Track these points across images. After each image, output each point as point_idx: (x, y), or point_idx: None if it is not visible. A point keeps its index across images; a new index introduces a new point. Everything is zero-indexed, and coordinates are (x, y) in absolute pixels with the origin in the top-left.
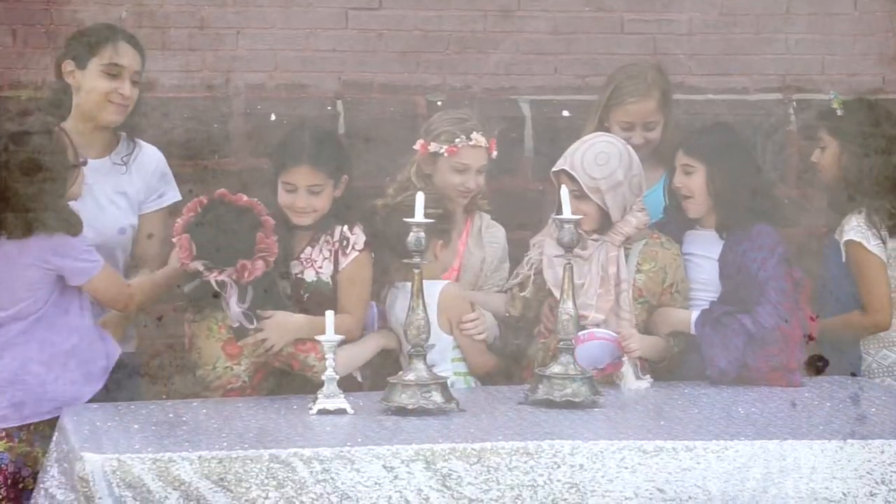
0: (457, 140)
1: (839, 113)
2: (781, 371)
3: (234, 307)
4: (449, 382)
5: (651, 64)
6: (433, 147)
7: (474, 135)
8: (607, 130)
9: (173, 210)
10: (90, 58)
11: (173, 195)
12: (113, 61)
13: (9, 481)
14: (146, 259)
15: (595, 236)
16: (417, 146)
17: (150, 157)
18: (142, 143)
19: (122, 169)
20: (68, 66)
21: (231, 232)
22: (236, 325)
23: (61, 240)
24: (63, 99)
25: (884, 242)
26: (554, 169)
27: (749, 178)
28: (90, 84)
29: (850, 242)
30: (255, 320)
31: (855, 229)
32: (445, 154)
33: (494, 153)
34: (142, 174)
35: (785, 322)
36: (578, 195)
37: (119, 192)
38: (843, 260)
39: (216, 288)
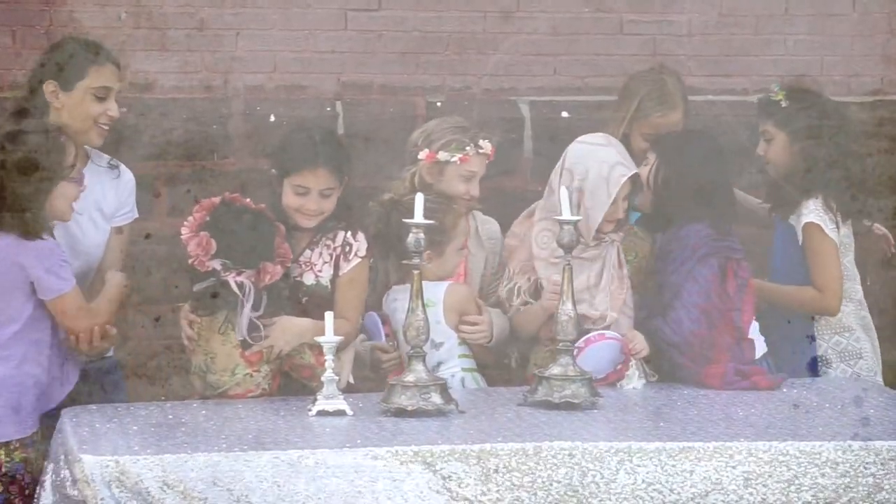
0: (467, 148)
1: (783, 104)
2: (715, 370)
3: (247, 314)
4: (459, 378)
5: (666, 70)
6: (443, 156)
7: (482, 142)
8: (627, 139)
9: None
10: (77, 81)
11: (132, 213)
12: (102, 84)
13: (25, 491)
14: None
15: (607, 237)
16: (423, 156)
17: (125, 172)
18: (96, 154)
19: (115, 173)
20: (50, 86)
21: (246, 236)
22: (240, 338)
23: (39, 246)
24: (41, 118)
25: (837, 228)
26: (626, 177)
27: (693, 177)
28: (78, 107)
29: (809, 224)
30: (261, 327)
31: (814, 212)
32: (458, 163)
33: (492, 158)
34: (117, 189)
35: (701, 325)
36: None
37: (97, 209)
38: (800, 243)
39: (235, 290)
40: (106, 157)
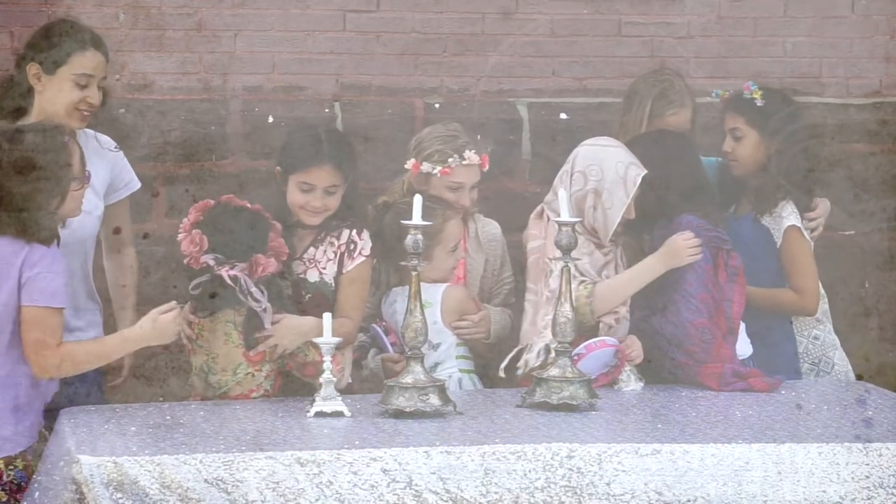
0: (450, 160)
1: (759, 103)
2: (713, 369)
3: (259, 296)
4: (456, 379)
5: (671, 71)
6: (426, 167)
7: (467, 153)
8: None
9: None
10: (58, 66)
11: (136, 182)
12: (83, 72)
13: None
14: (123, 244)
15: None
16: (409, 165)
17: (108, 145)
18: (96, 133)
19: (119, 154)
20: (33, 68)
21: (241, 233)
22: (261, 307)
23: (44, 250)
24: (25, 99)
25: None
26: (640, 176)
27: (673, 173)
28: (58, 92)
29: (791, 228)
30: (267, 322)
31: (792, 215)
32: (439, 175)
33: (486, 167)
34: (105, 163)
35: (702, 315)
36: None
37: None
38: (779, 245)
39: (229, 282)
40: (113, 143)
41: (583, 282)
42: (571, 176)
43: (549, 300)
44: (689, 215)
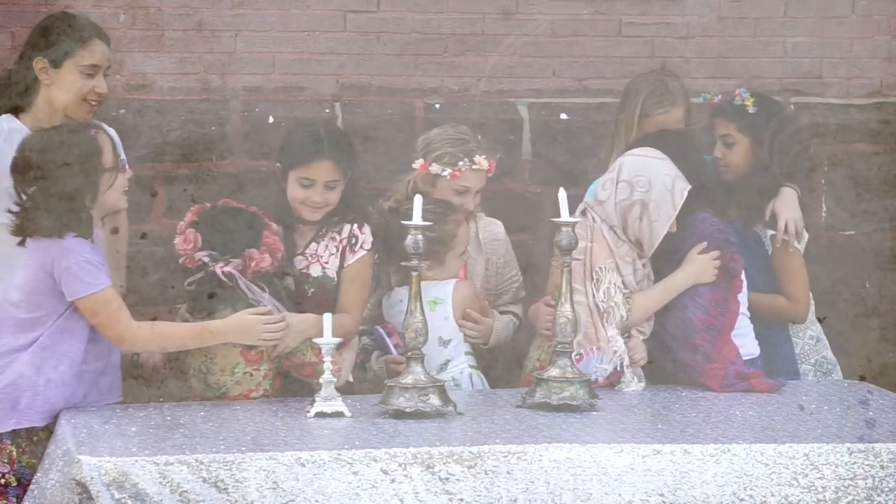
0: (460, 164)
1: (750, 110)
2: (717, 370)
3: (260, 294)
4: (467, 374)
5: (666, 71)
6: (435, 169)
7: (477, 158)
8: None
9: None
10: (65, 59)
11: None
12: (90, 62)
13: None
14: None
15: None
16: (417, 165)
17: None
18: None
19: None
20: (40, 62)
21: (237, 233)
22: (260, 304)
23: (68, 243)
24: (23, 98)
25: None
26: (687, 190)
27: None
28: (67, 85)
29: None
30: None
31: None
32: (449, 178)
33: (492, 173)
34: None
35: (708, 313)
36: None
37: None
38: (770, 252)
39: (224, 279)
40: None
41: (623, 293)
42: (616, 184)
43: (604, 313)
44: (705, 213)
